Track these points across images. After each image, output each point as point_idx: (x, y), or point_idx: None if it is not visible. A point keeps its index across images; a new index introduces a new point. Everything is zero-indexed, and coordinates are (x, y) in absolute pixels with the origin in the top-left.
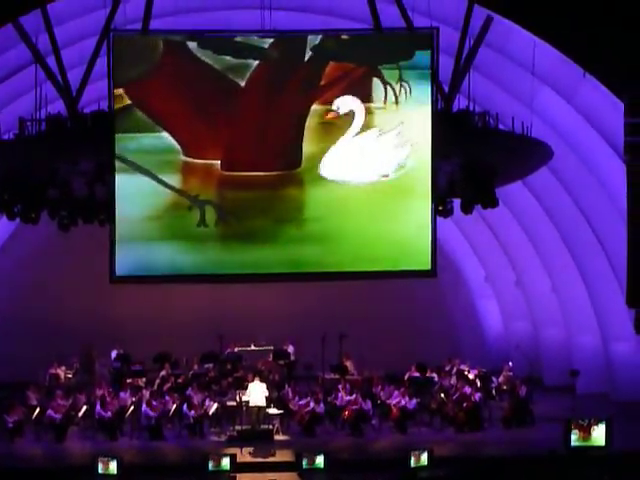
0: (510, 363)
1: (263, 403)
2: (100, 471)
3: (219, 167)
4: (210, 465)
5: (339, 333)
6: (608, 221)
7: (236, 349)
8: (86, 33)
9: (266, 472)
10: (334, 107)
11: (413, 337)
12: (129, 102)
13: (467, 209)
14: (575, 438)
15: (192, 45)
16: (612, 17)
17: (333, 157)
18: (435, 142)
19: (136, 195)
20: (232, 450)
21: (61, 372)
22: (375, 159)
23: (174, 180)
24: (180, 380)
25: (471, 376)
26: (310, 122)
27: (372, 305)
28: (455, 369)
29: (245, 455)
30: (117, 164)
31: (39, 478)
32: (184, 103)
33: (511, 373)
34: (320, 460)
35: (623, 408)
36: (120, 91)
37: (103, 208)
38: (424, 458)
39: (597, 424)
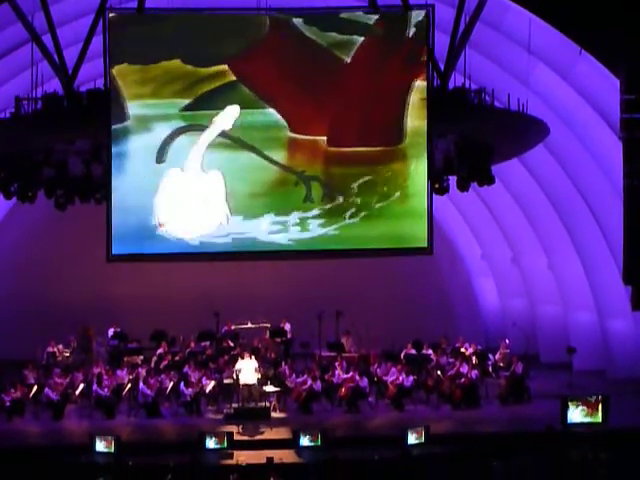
0: (507, 340)
1: (253, 381)
2: (98, 449)
3: (324, 143)
4: (207, 442)
5: (335, 311)
6: (604, 198)
7: (233, 327)
8: (82, 11)
9: (263, 449)
10: None
11: (410, 315)
12: (234, 78)
13: (463, 187)
14: (583, 414)
15: (298, 22)
16: None
17: None
18: (431, 119)
19: (241, 172)
20: (229, 428)
21: (58, 350)
22: None
23: (280, 156)
24: (177, 358)
25: (468, 353)
26: (412, 98)
27: (368, 283)
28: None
29: (242, 432)
30: (221, 140)
31: (37, 456)
32: (290, 79)
33: (508, 350)
34: (317, 437)
35: (619, 385)
36: (224, 67)
37: (99, 187)
38: (421, 435)
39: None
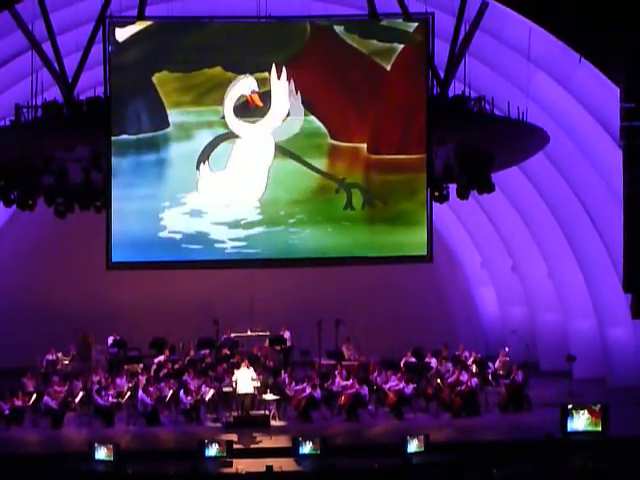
0: (506, 348)
1: (250, 390)
2: (97, 457)
3: (365, 150)
4: (207, 451)
5: (335, 319)
6: (604, 206)
7: (232, 335)
8: (82, 19)
9: (262, 458)
10: None
11: (409, 323)
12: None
13: (463, 194)
14: (587, 422)
15: (339, 29)
16: (607, 3)
17: None
18: (430, 127)
19: (282, 179)
20: (228, 436)
21: (58, 358)
22: None
23: (321, 163)
24: (177, 366)
25: (468, 361)
26: None
27: (368, 290)
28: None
29: (241, 441)
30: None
31: (36, 464)
32: (331, 86)
33: (507, 358)
34: (316, 445)
35: (619, 393)
36: (265, 75)
37: (99, 195)
38: (421, 443)
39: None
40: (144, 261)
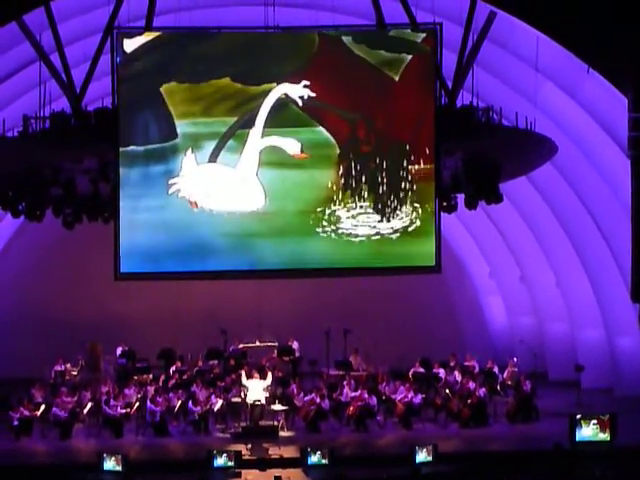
0: (515, 358)
1: (260, 399)
2: (106, 467)
3: None
4: (215, 461)
5: (343, 329)
6: (612, 216)
7: (240, 345)
8: (90, 30)
9: (271, 468)
10: None
11: (418, 333)
12: (283, 96)
13: (471, 205)
14: (596, 431)
15: (347, 39)
16: (615, 12)
17: None
18: (438, 137)
19: (290, 190)
20: (237, 446)
21: (66, 369)
22: None
23: (329, 174)
24: (185, 376)
25: (475, 371)
26: None
27: (376, 301)
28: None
29: (250, 451)
30: (271, 158)
31: (45, 475)
32: (340, 97)
33: (516, 368)
34: (325, 456)
35: (628, 403)
36: (274, 85)
37: (107, 205)
38: (429, 454)
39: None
40: (152, 272)
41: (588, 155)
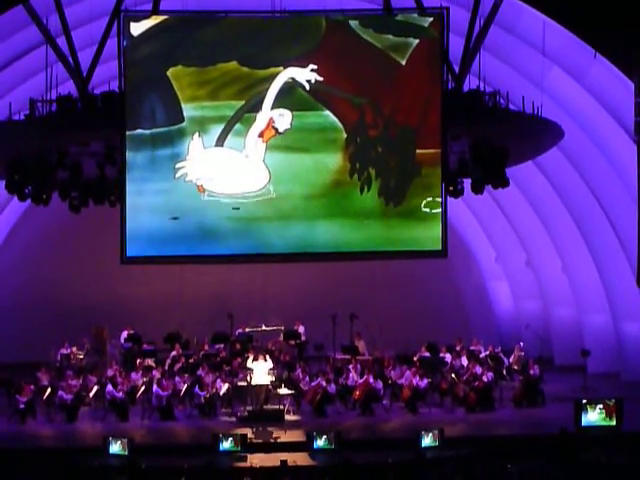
0: (521, 343)
1: (265, 382)
2: (111, 451)
3: None
4: (221, 445)
5: (350, 313)
6: (618, 201)
7: (247, 329)
8: (97, 14)
9: (277, 452)
10: None
11: (424, 317)
12: (290, 80)
13: (477, 189)
14: (601, 416)
15: (354, 24)
16: None
17: None
18: (445, 122)
19: (297, 174)
20: (243, 430)
21: (72, 353)
22: None
23: (337, 158)
24: (191, 360)
25: (482, 355)
26: None
27: (382, 285)
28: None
29: (256, 435)
30: (278, 142)
31: (50, 458)
32: (346, 81)
33: (522, 353)
34: (331, 440)
35: (634, 388)
36: (281, 69)
37: (113, 189)
38: (435, 438)
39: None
40: (158, 255)
41: (595, 140)
